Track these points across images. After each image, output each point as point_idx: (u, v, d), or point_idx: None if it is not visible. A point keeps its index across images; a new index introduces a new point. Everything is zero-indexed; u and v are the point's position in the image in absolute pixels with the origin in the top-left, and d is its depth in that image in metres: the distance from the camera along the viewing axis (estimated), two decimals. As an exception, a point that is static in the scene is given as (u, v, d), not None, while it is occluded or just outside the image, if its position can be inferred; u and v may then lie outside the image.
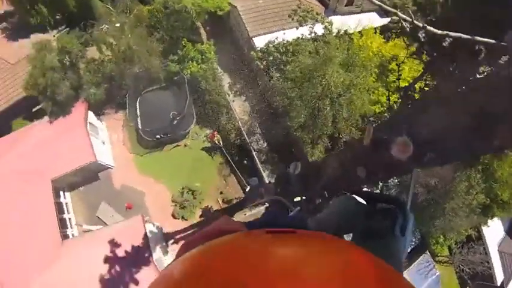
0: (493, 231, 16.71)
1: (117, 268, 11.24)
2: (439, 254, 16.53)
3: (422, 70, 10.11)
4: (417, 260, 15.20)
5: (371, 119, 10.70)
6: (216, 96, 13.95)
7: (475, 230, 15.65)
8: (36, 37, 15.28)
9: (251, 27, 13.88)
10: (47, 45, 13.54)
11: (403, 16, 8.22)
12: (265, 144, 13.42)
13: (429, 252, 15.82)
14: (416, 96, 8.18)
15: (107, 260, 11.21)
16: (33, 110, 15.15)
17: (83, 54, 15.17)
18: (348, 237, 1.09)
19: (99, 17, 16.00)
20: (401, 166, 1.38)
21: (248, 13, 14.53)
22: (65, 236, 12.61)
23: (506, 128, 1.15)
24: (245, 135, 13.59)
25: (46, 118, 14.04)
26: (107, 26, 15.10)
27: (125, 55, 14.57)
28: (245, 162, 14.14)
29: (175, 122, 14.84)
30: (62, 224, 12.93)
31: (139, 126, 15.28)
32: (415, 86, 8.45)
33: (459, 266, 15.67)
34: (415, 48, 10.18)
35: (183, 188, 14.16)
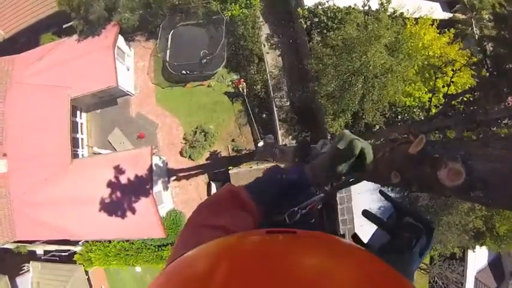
0: (477, 257, 16.90)
1: (118, 194, 11.87)
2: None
3: (473, 84, 9.47)
4: None
5: (399, 109, 10.37)
6: (252, 44, 13.57)
7: (461, 250, 15.83)
8: None
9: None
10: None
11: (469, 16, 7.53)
12: (288, 104, 13.30)
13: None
14: (461, 108, 7.76)
15: (109, 184, 11.83)
16: (64, 26, 15.09)
17: None
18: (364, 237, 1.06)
19: None
20: (441, 190, 1.31)
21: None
22: (75, 155, 13.21)
23: None
24: (271, 89, 13.41)
25: (75, 36, 13.95)
26: None
27: None
28: (264, 116, 14.05)
29: (205, 61, 14.59)
30: (74, 143, 13.52)
31: (167, 59, 15.17)
32: (463, 98, 7.96)
33: (434, 278, 16.18)
34: (477, 58, 9.41)
35: (196, 128, 14.42)
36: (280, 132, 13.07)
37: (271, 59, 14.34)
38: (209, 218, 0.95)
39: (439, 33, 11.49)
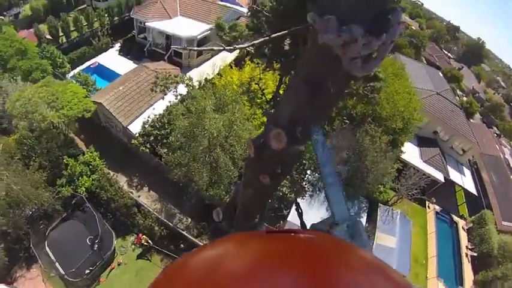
0: (410, 154, 19.59)
1: None
2: (388, 199, 18.28)
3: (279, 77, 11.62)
4: (380, 214, 16.61)
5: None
6: (121, 200, 13.08)
7: (399, 163, 17.31)
8: None
9: (122, 117, 13.75)
10: None
11: (242, 46, 9.33)
12: (190, 220, 13.00)
13: (381, 203, 17.37)
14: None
15: None
16: None
17: None
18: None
19: None
20: (287, 154, 1.44)
21: (114, 104, 14.37)
22: None
23: (326, 90, 1.33)
24: (167, 221, 12.96)
25: None
26: None
27: (10, 200, 12.70)
28: (182, 245, 13.36)
29: (96, 246, 13.18)
30: None
31: (62, 272, 13.01)
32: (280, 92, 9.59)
33: (408, 194, 17.45)
34: (265, 63, 11.75)
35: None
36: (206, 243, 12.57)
37: (146, 198, 14.11)
38: None
39: (239, 68, 13.81)
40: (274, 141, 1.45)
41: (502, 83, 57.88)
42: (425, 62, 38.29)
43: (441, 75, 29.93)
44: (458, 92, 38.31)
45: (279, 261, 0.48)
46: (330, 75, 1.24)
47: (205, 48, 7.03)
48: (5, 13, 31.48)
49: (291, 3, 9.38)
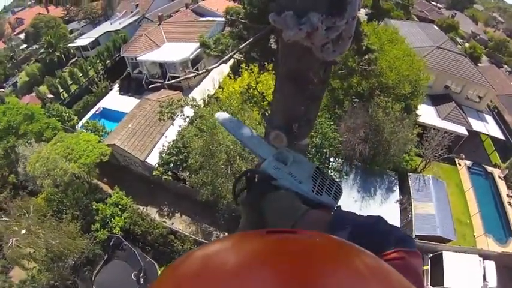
0: (427, 115, 19.02)
1: None
2: (416, 166, 17.79)
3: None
4: (411, 183, 16.14)
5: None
6: (156, 231, 13.34)
7: (418, 127, 16.47)
8: None
9: (138, 152, 14.10)
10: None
11: (225, 59, 9.42)
12: (227, 234, 13.13)
13: (410, 172, 16.89)
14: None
15: None
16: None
17: (9, 282, 13.91)
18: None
19: (1, 235, 14.45)
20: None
21: (127, 142, 14.76)
22: None
23: (310, 82, 1.35)
24: (205, 241, 13.18)
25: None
26: (14, 239, 13.65)
27: (51, 255, 13.36)
28: None
29: (142, 279, 13.52)
30: None
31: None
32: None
33: (434, 156, 16.86)
34: (258, 66, 11.81)
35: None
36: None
37: (180, 223, 14.32)
38: None
39: (238, 76, 13.90)
40: (275, 143, 1.42)
41: (500, 18, 55.61)
42: (417, 19, 37.35)
43: (436, 28, 29.09)
44: (458, 39, 37.02)
45: (270, 262, 0.47)
46: (308, 67, 1.22)
47: (198, 72, 7.16)
48: (4, 84, 33.08)
49: (262, 5, 9.42)
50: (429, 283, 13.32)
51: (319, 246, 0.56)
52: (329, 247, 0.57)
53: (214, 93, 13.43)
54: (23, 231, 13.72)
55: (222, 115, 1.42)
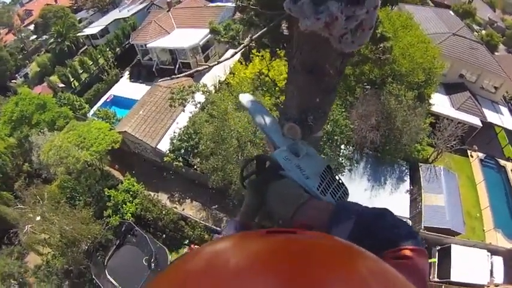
0: (440, 105, 18.57)
1: None
2: (428, 156, 17.50)
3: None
4: (422, 174, 15.90)
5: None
6: (167, 216, 13.55)
7: (431, 117, 16.43)
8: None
9: (149, 139, 14.22)
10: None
11: (238, 50, 9.28)
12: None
13: (421, 162, 16.62)
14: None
15: None
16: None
17: (25, 267, 14.19)
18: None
19: (16, 222, 14.98)
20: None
21: (138, 129, 14.89)
22: None
23: (326, 73, 1.34)
24: (215, 227, 13.40)
25: None
26: (29, 226, 14.14)
27: (66, 240, 13.76)
28: None
29: (153, 264, 13.83)
30: None
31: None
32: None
33: (447, 147, 16.50)
34: (269, 52, 11.64)
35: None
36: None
37: (190, 209, 14.46)
38: None
39: (249, 62, 13.73)
40: (289, 135, 1.40)
41: (519, 6, 53.30)
42: (432, 4, 36.06)
43: (452, 13, 28.03)
44: (475, 26, 35.63)
45: (270, 263, 0.47)
46: (325, 58, 1.18)
47: (209, 65, 7.11)
48: (16, 75, 33.62)
49: None
50: (436, 276, 13.27)
51: (320, 247, 0.55)
52: (330, 248, 0.56)
53: (225, 79, 13.35)
54: (38, 218, 14.16)
55: (245, 97, 1.42)
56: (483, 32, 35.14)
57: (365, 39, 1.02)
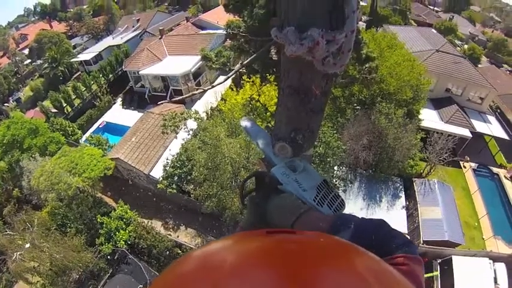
0: (429, 119, 18.96)
1: None
2: (421, 171, 17.63)
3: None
4: (417, 188, 15.96)
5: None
6: (161, 244, 13.27)
7: (421, 132, 16.59)
8: None
9: (142, 166, 14.14)
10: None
11: (228, 76, 9.51)
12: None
13: (415, 177, 16.71)
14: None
15: None
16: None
17: None
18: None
19: (4, 249, 14.38)
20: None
21: (131, 156, 14.81)
22: None
23: (313, 94, 1.38)
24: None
25: None
26: (18, 253, 13.56)
27: (56, 269, 13.27)
28: None
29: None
30: None
31: None
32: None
33: (439, 160, 16.74)
34: (259, 77, 11.89)
35: None
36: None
37: (185, 236, 14.28)
38: None
39: (240, 88, 14.01)
40: (281, 154, 1.46)
41: (497, 18, 55.82)
42: (415, 24, 37.57)
43: (434, 31, 29.22)
44: (457, 41, 37.13)
45: (269, 262, 0.47)
46: (311, 80, 1.26)
47: (204, 88, 7.25)
48: (9, 99, 33.54)
49: (262, 19, 9.57)
50: (439, 289, 13.07)
51: (319, 246, 0.55)
52: (329, 247, 0.56)
53: (216, 106, 13.51)
54: (27, 245, 13.69)
55: (245, 121, 1.51)
56: (465, 46, 36.56)
57: (345, 60, 1.08)
